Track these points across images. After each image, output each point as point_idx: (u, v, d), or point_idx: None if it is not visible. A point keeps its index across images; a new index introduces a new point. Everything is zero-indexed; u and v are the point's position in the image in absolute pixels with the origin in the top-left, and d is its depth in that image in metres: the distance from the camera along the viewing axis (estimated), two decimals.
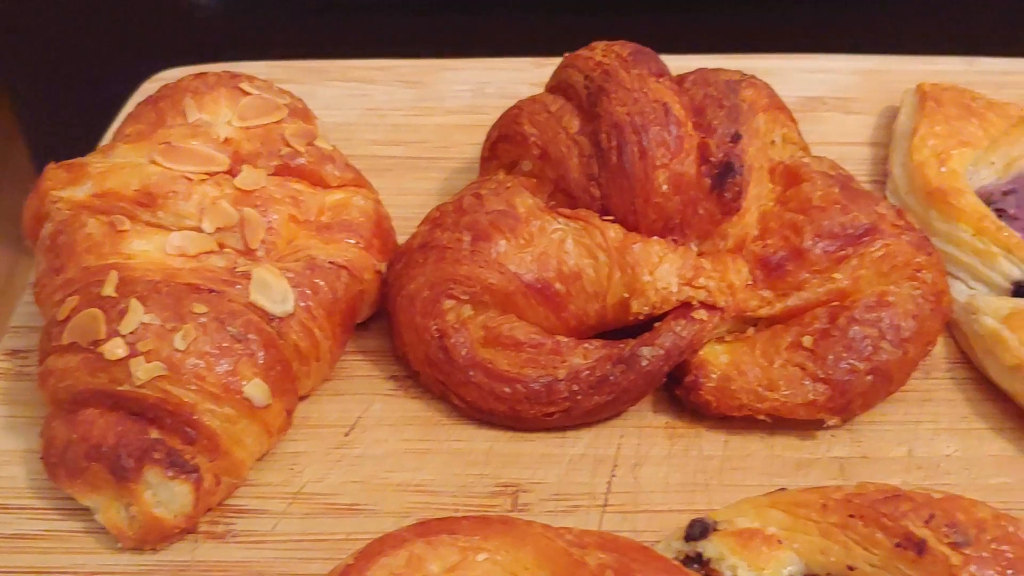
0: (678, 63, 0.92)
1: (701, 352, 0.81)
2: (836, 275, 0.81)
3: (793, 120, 0.93)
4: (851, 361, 0.78)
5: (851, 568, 0.68)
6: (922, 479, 0.78)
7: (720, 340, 0.83)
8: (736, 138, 0.83)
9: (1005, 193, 0.94)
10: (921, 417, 0.83)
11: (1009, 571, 0.64)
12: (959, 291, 0.89)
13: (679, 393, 0.81)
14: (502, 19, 1.52)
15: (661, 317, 0.82)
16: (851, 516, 0.68)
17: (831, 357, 0.78)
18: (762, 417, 0.79)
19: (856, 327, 0.79)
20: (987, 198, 0.94)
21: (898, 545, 0.66)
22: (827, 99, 1.11)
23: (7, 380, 0.85)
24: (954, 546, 0.65)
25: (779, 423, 0.80)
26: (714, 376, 0.80)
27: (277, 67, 1.16)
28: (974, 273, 0.89)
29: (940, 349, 0.87)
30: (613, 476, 0.78)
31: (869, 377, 0.78)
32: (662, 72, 0.87)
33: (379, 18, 1.55)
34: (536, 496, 0.77)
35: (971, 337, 0.85)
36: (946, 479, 0.78)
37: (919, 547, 0.66)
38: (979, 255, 0.88)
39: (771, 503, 0.71)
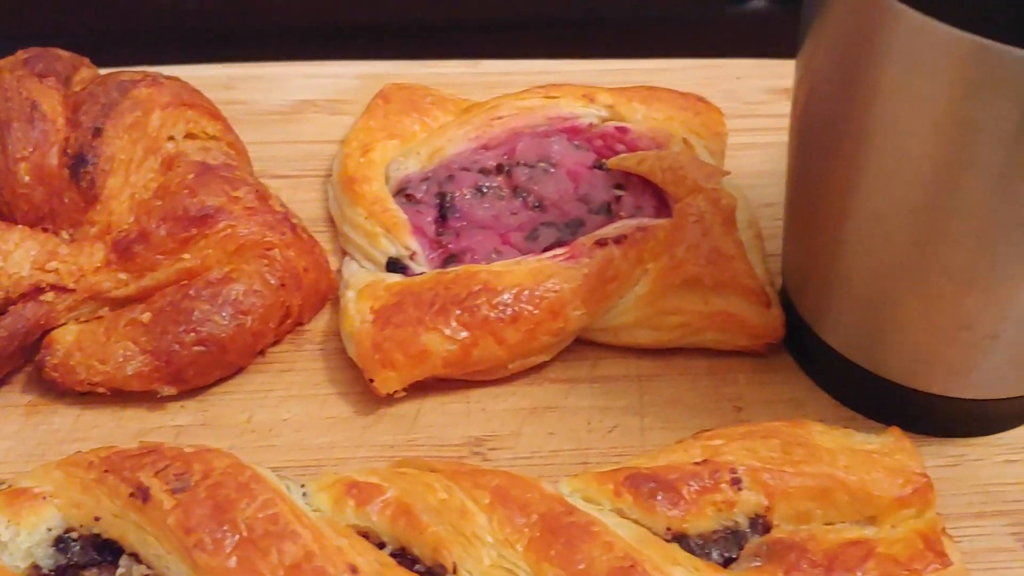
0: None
1: (55, 332, 0.86)
2: (185, 255, 0.87)
3: (215, 117, 0.99)
4: (179, 333, 0.84)
5: (97, 519, 0.72)
6: (252, 442, 0.84)
7: (79, 320, 0.87)
8: (98, 132, 0.89)
9: (423, 180, 1.01)
10: (275, 386, 0.88)
11: (216, 509, 0.70)
12: (353, 270, 0.95)
13: (35, 372, 0.86)
14: None
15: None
16: (106, 471, 0.73)
17: (160, 330, 0.84)
18: (102, 390, 0.84)
19: (189, 302, 0.85)
20: (405, 185, 1.01)
21: (131, 495, 0.71)
22: (319, 102, 1.17)
23: None
24: (172, 492, 0.70)
25: (133, 396, 0.85)
26: (59, 353, 0.84)
27: None
28: (365, 253, 0.95)
29: (323, 324, 0.93)
30: None
31: (199, 348, 0.84)
32: (48, 73, 0.92)
33: None
34: None
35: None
36: (274, 440, 0.84)
37: (144, 495, 0.71)
38: (368, 236, 0.95)
39: (57, 464, 0.76)
